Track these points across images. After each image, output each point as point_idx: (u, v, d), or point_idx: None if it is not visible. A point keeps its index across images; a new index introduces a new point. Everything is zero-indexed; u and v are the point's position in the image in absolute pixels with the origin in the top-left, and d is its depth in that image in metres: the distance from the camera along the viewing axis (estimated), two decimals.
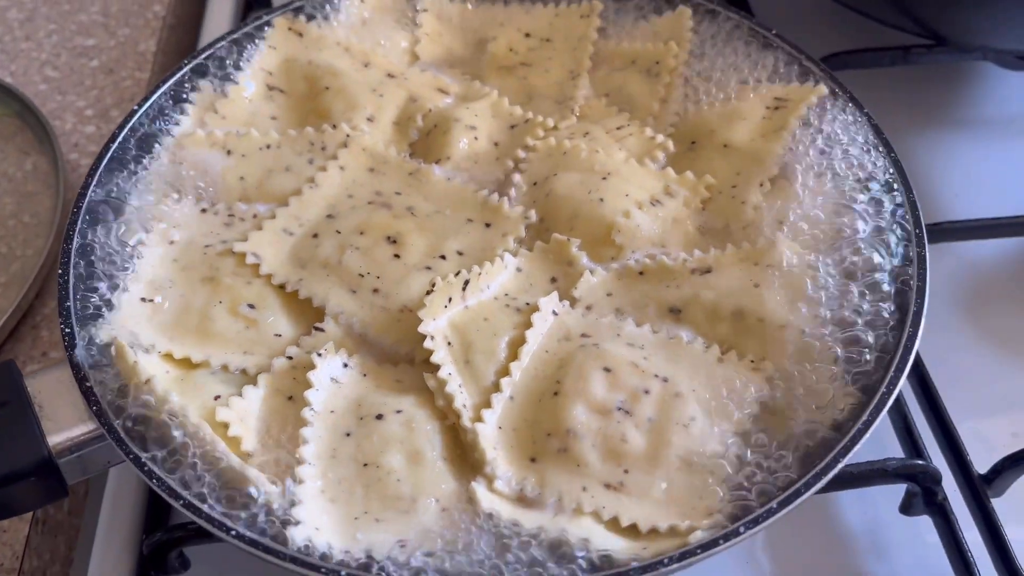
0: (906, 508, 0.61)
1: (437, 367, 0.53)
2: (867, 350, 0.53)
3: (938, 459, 0.62)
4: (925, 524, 0.62)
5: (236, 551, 0.51)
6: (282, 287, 0.59)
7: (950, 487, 0.61)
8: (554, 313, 0.57)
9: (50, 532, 0.66)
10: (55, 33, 0.99)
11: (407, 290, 0.58)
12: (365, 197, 0.64)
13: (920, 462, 0.58)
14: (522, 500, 0.50)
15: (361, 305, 0.58)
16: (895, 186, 0.61)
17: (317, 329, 0.57)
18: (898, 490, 0.62)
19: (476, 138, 0.67)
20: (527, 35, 0.76)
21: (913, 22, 0.82)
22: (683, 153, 0.67)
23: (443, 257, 0.59)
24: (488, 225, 0.62)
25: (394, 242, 0.60)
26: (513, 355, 0.55)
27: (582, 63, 0.73)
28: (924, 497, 0.60)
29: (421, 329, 0.54)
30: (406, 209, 0.63)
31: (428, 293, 0.55)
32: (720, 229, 0.62)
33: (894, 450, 0.63)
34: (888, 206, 0.60)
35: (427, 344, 0.54)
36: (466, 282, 0.57)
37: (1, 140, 0.87)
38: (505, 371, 0.54)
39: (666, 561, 0.45)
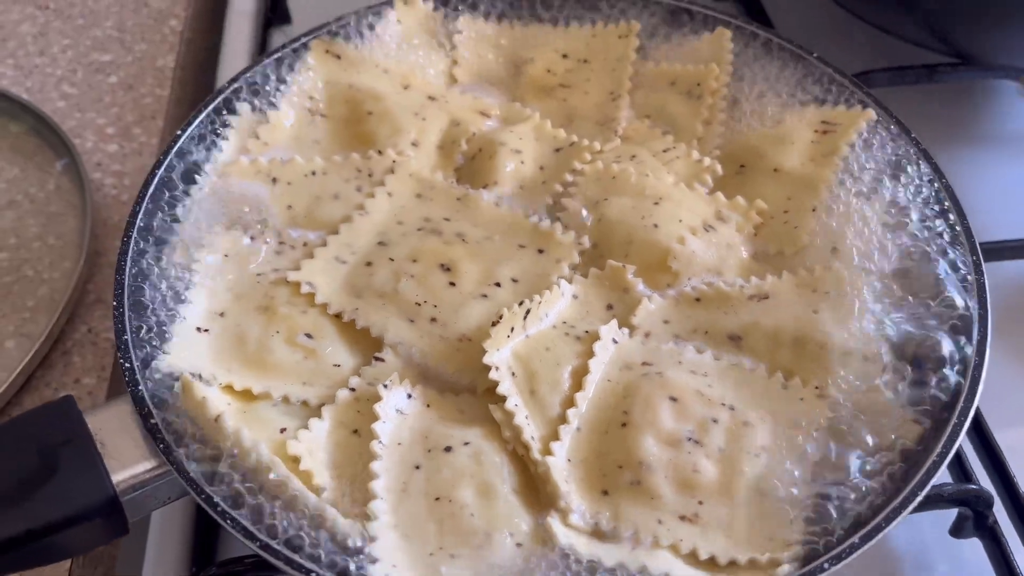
0: (957, 531, 0.62)
1: (503, 398, 0.53)
2: (932, 376, 0.53)
3: (983, 480, 0.62)
4: (970, 545, 0.62)
5: None
6: (338, 316, 0.58)
7: (997, 508, 0.61)
8: (614, 341, 0.57)
9: (91, 563, 0.65)
10: (70, 48, 0.97)
11: (465, 319, 0.57)
12: (415, 223, 0.63)
13: (974, 487, 0.59)
14: (597, 534, 0.50)
15: (420, 335, 0.57)
16: (949, 213, 0.61)
17: (377, 359, 0.57)
18: (943, 511, 0.62)
19: (522, 162, 0.67)
20: (564, 56, 0.75)
21: (940, 41, 0.82)
22: (732, 177, 0.67)
23: (498, 285, 0.59)
24: (541, 251, 0.62)
25: (448, 269, 0.59)
26: (577, 385, 0.55)
27: (622, 84, 0.73)
28: (975, 520, 0.60)
29: (486, 360, 0.54)
30: (456, 235, 0.62)
31: (494, 324, 0.55)
32: (774, 255, 0.62)
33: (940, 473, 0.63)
34: (941, 232, 0.60)
35: (492, 375, 0.54)
36: (527, 311, 0.56)
37: (21, 158, 0.86)
38: (571, 402, 0.54)
39: None
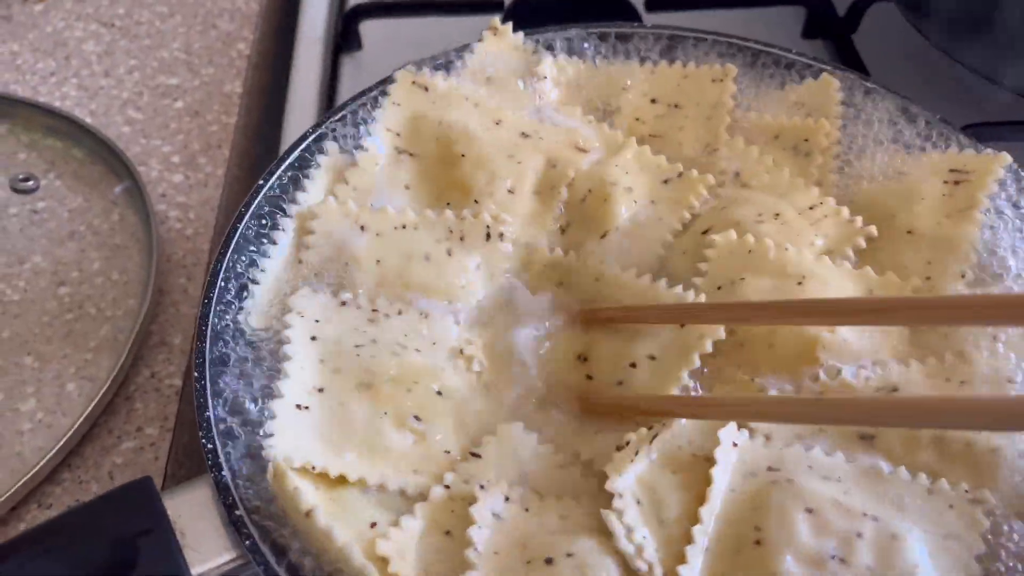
0: None
1: (613, 504, 0.49)
2: None
3: None
4: None
5: None
6: (435, 372, 0.54)
7: None
8: (734, 444, 0.52)
9: None
10: (136, 70, 0.94)
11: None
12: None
13: None
14: None
15: (556, 426, 0.54)
16: None
17: (474, 455, 0.52)
18: None
19: (635, 201, 0.62)
20: (653, 101, 0.71)
21: None
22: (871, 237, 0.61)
23: (633, 365, 0.55)
24: (682, 324, 0.57)
25: (585, 360, 0.56)
26: (701, 498, 0.50)
27: (719, 136, 0.68)
28: None
29: (608, 487, 0.49)
30: None
31: (619, 449, 0.51)
32: (927, 332, 0.56)
33: None
34: None
35: (616, 503, 0.49)
36: (655, 435, 0.52)
37: (86, 187, 0.83)
38: (695, 517, 0.49)
39: None
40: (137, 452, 0.68)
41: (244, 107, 0.91)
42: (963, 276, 0.58)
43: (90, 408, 0.67)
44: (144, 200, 0.79)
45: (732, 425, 0.53)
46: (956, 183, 0.62)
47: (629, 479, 0.50)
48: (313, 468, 0.49)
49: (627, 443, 0.51)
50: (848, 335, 0.55)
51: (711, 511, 0.49)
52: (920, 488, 0.50)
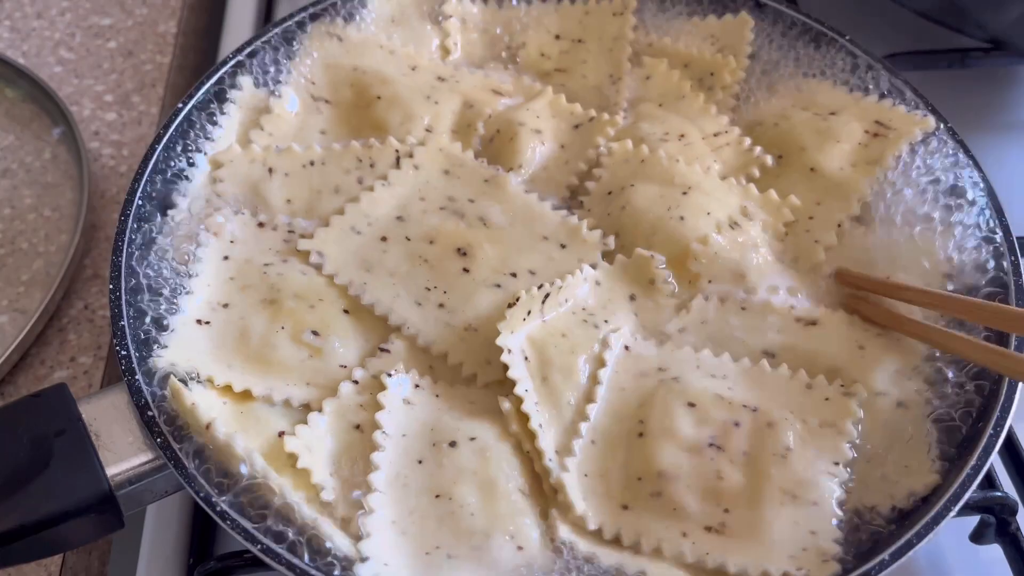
0: (977, 537, 0.60)
1: (512, 384, 0.51)
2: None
3: (1007, 486, 0.60)
4: (987, 551, 0.60)
5: None
6: (344, 290, 0.56)
7: (1020, 515, 0.60)
8: (626, 348, 0.55)
9: (84, 549, 0.63)
10: (68, 11, 0.93)
11: (474, 307, 0.55)
12: (437, 202, 0.61)
13: (999, 494, 0.57)
14: (614, 543, 0.48)
15: (425, 319, 0.55)
16: (995, 232, 0.58)
17: (382, 350, 0.54)
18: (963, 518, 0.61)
19: (543, 143, 0.64)
20: (557, 37, 0.72)
21: (975, 27, 0.79)
22: (766, 167, 0.64)
23: (514, 275, 0.57)
24: (564, 246, 0.59)
25: (464, 254, 0.57)
26: (594, 381, 0.53)
27: (621, 65, 0.70)
28: (997, 527, 0.58)
29: (499, 342, 0.52)
30: (479, 219, 0.60)
31: (510, 306, 0.53)
32: (789, 262, 0.60)
33: None
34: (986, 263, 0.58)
35: (504, 358, 0.51)
36: (546, 295, 0.54)
37: (17, 126, 0.83)
38: (588, 397, 0.52)
39: None
40: (71, 381, 0.69)
41: (179, 47, 0.91)
42: (839, 226, 0.60)
43: (20, 337, 0.67)
44: (76, 138, 0.79)
45: (625, 329, 0.55)
46: (875, 135, 0.63)
47: (519, 337, 0.52)
48: (198, 375, 0.51)
49: (517, 299, 0.53)
50: (719, 248, 0.58)
51: (601, 394, 0.52)
52: (799, 383, 0.53)
